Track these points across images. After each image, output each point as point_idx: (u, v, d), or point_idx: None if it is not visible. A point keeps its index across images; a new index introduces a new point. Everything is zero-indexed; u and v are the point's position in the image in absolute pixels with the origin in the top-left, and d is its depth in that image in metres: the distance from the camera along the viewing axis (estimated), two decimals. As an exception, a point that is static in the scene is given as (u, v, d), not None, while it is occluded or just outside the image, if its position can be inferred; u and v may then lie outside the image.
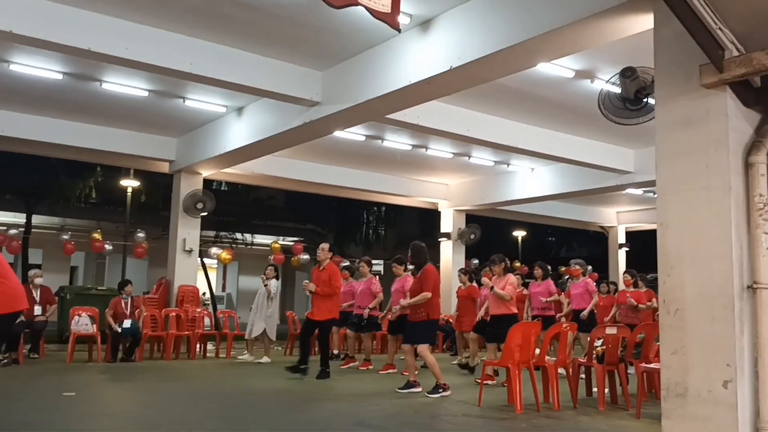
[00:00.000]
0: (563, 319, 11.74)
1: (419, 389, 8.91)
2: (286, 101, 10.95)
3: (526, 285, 12.92)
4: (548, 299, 11.79)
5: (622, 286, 12.46)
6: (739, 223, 5.69)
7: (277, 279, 13.02)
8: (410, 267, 10.04)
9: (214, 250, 18.76)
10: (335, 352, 13.22)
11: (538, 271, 12.29)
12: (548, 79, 10.68)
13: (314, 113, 10.96)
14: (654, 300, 11.73)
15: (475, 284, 12.78)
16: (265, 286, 12.70)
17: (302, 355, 10.52)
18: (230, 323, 14.70)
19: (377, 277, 13.20)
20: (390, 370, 11.22)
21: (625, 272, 12.79)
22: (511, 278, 9.91)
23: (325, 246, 10.72)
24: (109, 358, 12.02)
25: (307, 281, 10.52)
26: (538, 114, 12.71)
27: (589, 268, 23.81)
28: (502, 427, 6.73)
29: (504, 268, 9.95)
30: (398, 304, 10.04)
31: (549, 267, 12.58)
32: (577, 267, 11.99)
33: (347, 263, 14.35)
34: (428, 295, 8.79)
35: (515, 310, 9.84)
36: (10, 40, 8.78)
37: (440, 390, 8.65)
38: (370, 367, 11.87)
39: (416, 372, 9.10)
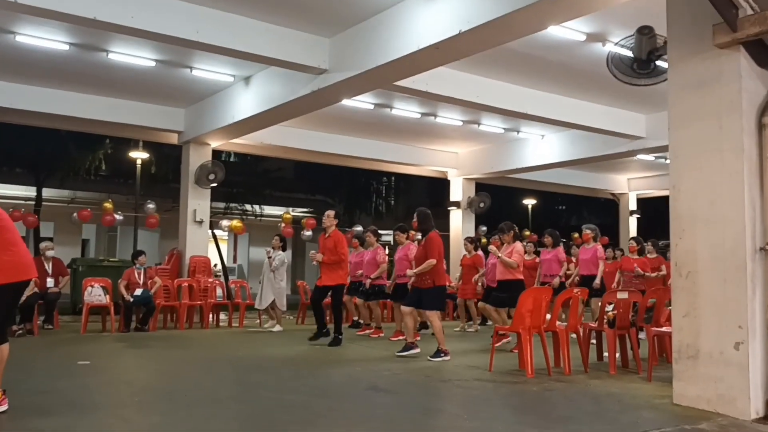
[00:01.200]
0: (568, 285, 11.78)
1: (417, 350, 9.12)
2: (293, 69, 10.90)
3: (537, 253, 12.96)
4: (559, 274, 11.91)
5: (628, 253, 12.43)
6: (752, 185, 5.66)
7: (284, 250, 13.07)
8: (417, 236, 10.11)
9: (224, 222, 18.81)
10: (356, 319, 13.45)
11: (548, 239, 12.34)
12: (559, 43, 10.59)
13: (322, 81, 10.91)
14: (663, 267, 11.73)
15: (480, 253, 12.89)
16: (269, 258, 12.79)
17: (318, 321, 10.66)
18: (242, 293, 14.81)
19: (386, 247, 13.26)
20: (400, 337, 11.30)
21: (631, 239, 12.79)
22: (518, 246, 10.10)
23: (330, 213, 10.77)
24: (122, 329, 12.17)
25: (314, 251, 10.61)
26: (548, 79, 12.61)
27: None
28: (513, 391, 6.78)
29: (513, 236, 10.15)
30: (403, 272, 10.14)
31: (559, 234, 12.62)
32: (588, 231, 11.94)
33: (360, 228, 14.33)
34: (433, 262, 8.86)
35: (521, 277, 10.06)
36: (16, 10, 8.76)
37: (441, 354, 8.82)
38: (381, 334, 12.02)
39: (417, 338, 9.20)
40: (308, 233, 19.92)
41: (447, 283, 9.99)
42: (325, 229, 10.63)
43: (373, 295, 12.29)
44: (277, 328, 12.81)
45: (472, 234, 19.46)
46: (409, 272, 9.32)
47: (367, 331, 12.26)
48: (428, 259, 8.88)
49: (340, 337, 10.43)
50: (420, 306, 9.05)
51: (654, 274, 11.76)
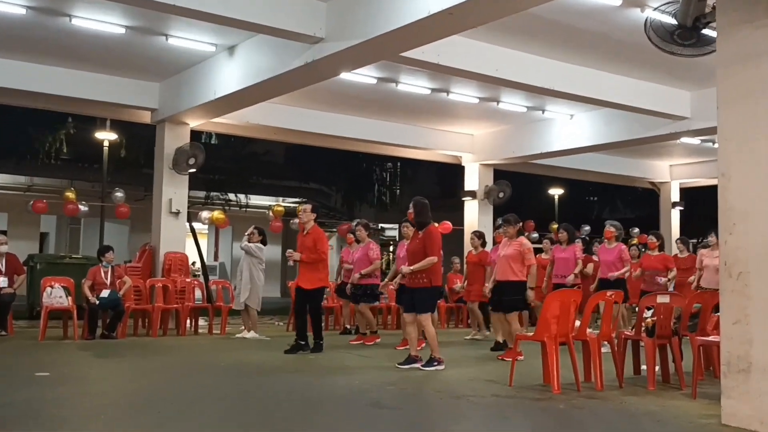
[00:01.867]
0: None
1: (421, 364, 9.19)
2: (284, 38, 10.87)
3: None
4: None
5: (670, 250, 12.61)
6: (814, 172, 5.65)
7: (264, 244, 13.21)
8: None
9: (204, 213, 18.80)
10: (348, 327, 13.77)
11: (562, 234, 12.49)
12: (591, 8, 10.55)
13: (317, 51, 10.88)
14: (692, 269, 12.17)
15: (487, 249, 13.02)
16: (241, 248, 13.02)
17: (298, 330, 10.89)
18: (224, 295, 14.83)
19: (389, 244, 13.33)
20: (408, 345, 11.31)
21: (650, 233, 12.98)
22: (525, 242, 10.37)
23: (307, 207, 11.02)
24: (87, 335, 12.17)
25: (291, 250, 10.88)
26: (578, 50, 12.58)
27: (636, 230, 23.85)
28: (537, 409, 6.79)
29: (518, 231, 10.47)
30: None
31: (575, 230, 12.78)
32: (612, 229, 12.02)
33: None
34: (434, 259, 9.05)
35: (523, 277, 10.25)
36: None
37: (435, 363, 9.00)
38: (377, 340, 12.21)
39: (419, 348, 9.38)
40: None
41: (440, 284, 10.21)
42: (303, 226, 10.86)
43: (363, 297, 12.39)
44: (251, 334, 12.89)
45: (491, 228, 19.47)
46: (404, 269, 9.42)
47: (362, 341, 12.35)
48: (428, 255, 9.05)
49: (321, 342, 10.76)
50: (412, 308, 9.23)
51: (665, 278, 12.03)
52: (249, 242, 12.94)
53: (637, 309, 8.80)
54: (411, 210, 9.57)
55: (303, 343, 10.68)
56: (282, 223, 19.58)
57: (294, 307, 11.27)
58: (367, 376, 8.55)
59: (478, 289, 12.74)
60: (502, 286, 10.37)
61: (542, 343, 7.96)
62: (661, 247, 12.46)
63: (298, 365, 9.52)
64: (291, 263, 10.97)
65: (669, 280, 12.07)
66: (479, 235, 13.54)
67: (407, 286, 9.38)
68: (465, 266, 13.69)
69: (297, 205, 24.67)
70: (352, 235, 13.31)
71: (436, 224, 9.36)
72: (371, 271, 12.38)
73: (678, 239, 13.81)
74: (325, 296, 12.43)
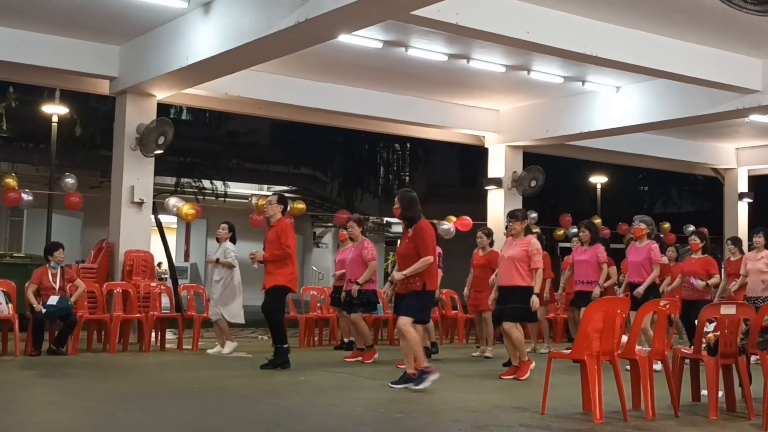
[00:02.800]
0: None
1: (435, 376, 9.35)
2: (271, -9, 10.90)
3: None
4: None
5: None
6: None
7: (234, 242, 13.41)
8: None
9: (172, 201, 18.74)
10: (347, 341, 13.98)
11: (584, 233, 12.77)
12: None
13: (311, 8, 10.87)
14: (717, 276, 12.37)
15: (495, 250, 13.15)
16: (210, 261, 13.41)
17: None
18: (197, 303, 14.84)
19: (398, 239, 13.38)
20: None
21: (693, 233, 13.24)
22: (534, 242, 10.56)
23: (272, 198, 11.51)
24: (31, 350, 12.18)
25: (254, 251, 11.32)
26: (626, 9, 12.56)
27: (691, 227, 23.82)
28: (574, 443, 6.80)
29: (526, 228, 10.72)
30: None
31: (599, 229, 12.96)
32: (642, 226, 12.19)
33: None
34: (430, 259, 9.37)
35: (531, 282, 10.44)
36: None
37: (425, 375, 9.26)
38: (375, 356, 12.37)
39: (424, 364, 9.46)
40: (289, 220, 19.97)
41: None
42: (268, 220, 11.30)
43: (360, 306, 12.49)
44: (227, 348, 13.01)
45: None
46: (396, 275, 9.56)
47: (359, 357, 12.48)
48: (422, 255, 9.32)
49: (285, 346, 11.05)
50: (397, 310, 9.58)
51: (703, 283, 12.16)
52: (218, 240, 13.16)
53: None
54: (397, 205, 9.75)
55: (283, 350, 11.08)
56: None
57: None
58: (368, 401, 8.56)
59: (488, 296, 12.59)
60: (506, 292, 10.59)
61: (582, 362, 7.96)
62: (704, 250, 12.54)
63: (289, 386, 9.55)
64: (255, 266, 11.32)
65: (708, 285, 12.16)
66: (488, 232, 13.71)
67: (399, 293, 9.60)
68: (471, 270, 13.73)
69: (287, 195, 24.69)
70: (344, 232, 13.39)
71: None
72: (369, 277, 12.50)
73: (729, 239, 13.87)
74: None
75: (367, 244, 12.78)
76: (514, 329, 10.55)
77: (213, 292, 13.21)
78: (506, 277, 10.55)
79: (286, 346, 11.08)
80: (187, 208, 17.48)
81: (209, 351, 13.22)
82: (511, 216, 10.79)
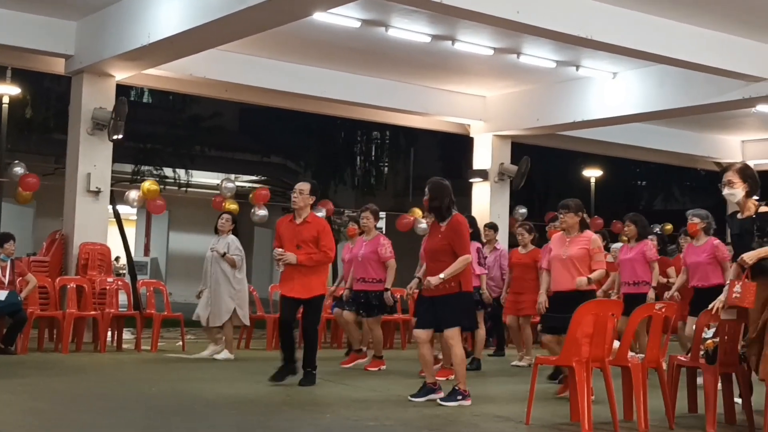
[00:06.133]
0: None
1: (440, 395, 9.07)
2: (241, -35, 10.89)
3: (607, 249, 12.96)
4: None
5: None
6: None
7: (236, 234, 13.20)
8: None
9: (132, 193, 18.70)
10: (363, 348, 13.03)
11: (629, 228, 12.19)
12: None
13: (284, -17, 10.90)
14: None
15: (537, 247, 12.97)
16: (211, 249, 12.93)
17: (285, 352, 10.31)
18: (157, 300, 14.80)
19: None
20: (450, 376, 10.70)
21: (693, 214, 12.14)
22: (595, 238, 9.70)
23: (304, 187, 10.26)
24: (-24, 350, 12.18)
25: (281, 250, 10.06)
26: (624, -11, 12.62)
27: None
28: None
29: (581, 222, 9.71)
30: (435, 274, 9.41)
31: (647, 223, 12.55)
32: (696, 220, 11.45)
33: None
34: (468, 258, 9.07)
35: (593, 286, 9.74)
36: None
37: (459, 397, 8.88)
38: (383, 366, 12.12)
39: (447, 378, 9.30)
40: (262, 212, 19.75)
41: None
42: (295, 212, 10.26)
43: (378, 308, 12.19)
44: (224, 354, 12.86)
45: (506, 216, 19.52)
46: (433, 279, 8.98)
47: (360, 361, 12.34)
48: (459, 253, 8.94)
49: (313, 372, 10.21)
50: (438, 325, 9.07)
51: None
52: (219, 233, 13.03)
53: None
54: (426, 196, 9.28)
55: (292, 366, 10.15)
56: (237, 205, 19.49)
57: (280, 319, 10.74)
58: (386, 419, 8.27)
59: (531, 301, 11.64)
60: (561, 298, 9.57)
61: (570, 368, 7.98)
62: (706, 231, 11.70)
63: (272, 397, 9.40)
64: (280, 268, 10.30)
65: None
66: (529, 228, 13.39)
67: (426, 296, 9.18)
68: (509, 270, 13.45)
69: (254, 184, 24.63)
70: (353, 226, 13.11)
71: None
72: (392, 279, 12.14)
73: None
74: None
75: (383, 240, 12.26)
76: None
77: (220, 291, 12.81)
78: (563, 280, 9.57)
79: (315, 372, 10.18)
80: (149, 184, 17.47)
81: (203, 353, 13.05)
82: (564, 207, 9.66)
